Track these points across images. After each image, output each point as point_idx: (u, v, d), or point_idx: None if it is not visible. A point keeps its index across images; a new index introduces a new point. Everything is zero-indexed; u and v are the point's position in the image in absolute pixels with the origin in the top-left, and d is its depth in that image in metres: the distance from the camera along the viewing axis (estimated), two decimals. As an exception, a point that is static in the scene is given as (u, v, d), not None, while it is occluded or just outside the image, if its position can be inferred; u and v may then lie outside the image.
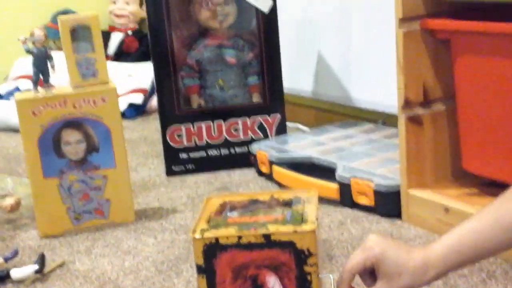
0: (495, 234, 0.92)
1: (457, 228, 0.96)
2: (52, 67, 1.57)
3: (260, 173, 1.83)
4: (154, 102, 2.72)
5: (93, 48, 1.55)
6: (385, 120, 2.00)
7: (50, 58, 1.57)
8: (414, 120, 1.40)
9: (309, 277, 0.96)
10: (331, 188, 1.56)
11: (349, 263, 0.97)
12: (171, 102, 1.91)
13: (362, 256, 0.96)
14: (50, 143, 1.54)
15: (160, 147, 2.02)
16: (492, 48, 1.27)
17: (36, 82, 1.56)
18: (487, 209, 0.94)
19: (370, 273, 0.97)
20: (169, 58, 1.89)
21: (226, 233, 0.97)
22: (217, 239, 0.97)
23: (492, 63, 1.28)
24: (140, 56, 3.08)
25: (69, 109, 1.53)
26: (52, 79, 1.57)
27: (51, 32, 2.73)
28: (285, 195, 1.10)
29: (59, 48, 2.69)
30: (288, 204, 1.06)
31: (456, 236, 0.95)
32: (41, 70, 1.56)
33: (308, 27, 2.19)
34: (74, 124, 1.54)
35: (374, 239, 0.97)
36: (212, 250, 0.97)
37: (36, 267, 1.34)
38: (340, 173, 1.56)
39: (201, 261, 0.98)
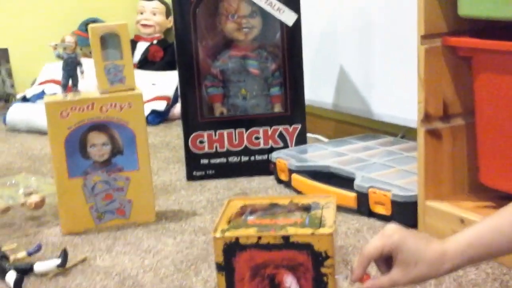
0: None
1: (477, 224, 0.97)
2: (82, 73, 1.63)
3: (279, 181, 1.87)
4: (176, 110, 2.77)
5: (122, 56, 1.59)
6: (404, 133, 2.03)
7: (79, 64, 1.63)
8: (433, 134, 1.43)
9: (325, 278, 0.99)
10: (349, 197, 1.59)
11: (366, 248, 0.98)
12: (194, 109, 1.95)
13: (380, 243, 0.97)
14: (76, 145, 1.58)
15: (181, 153, 2.06)
16: (512, 66, 1.30)
17: (65, 86, 1.62)
18: (508, 208, 0.96)
19: (385, 260, 0.99)
20: (194, 67, 1.93)
21: (246, 233, 1.00)
22: (237, 239, 1.00)
23: (512, 81, 1.31)
24: (164, 65, 3.13)
25: (96, 112, 1.57)
26: (80, 85, 1.62)
27: (78, 39, 2.79)
28: (304, 200, 1.13)
29: (86, 55, 2.77)
30: (307, 208, 1.09)
31: (475, 231, 0.96)
32: (71, 75, 1.62)
33: (331, 40, 2.22)
34: (100, 127, 1.59)
35: (394, 228, 0.98)
36: (232, 249, 1.00)
37: (59, 261, 1.38)
38: (358, 182, 1.59)
39: (220, 260, 1.01)
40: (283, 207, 1.10)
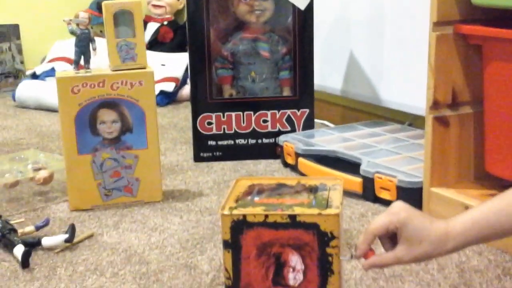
0: None
1: (482, 204, 0.98)
2: (94, 49, 1.63)
3: (286, 164, 1.88)
4: (185, 91, 2.78)
5: (134, 34, 1.60)
6: (412, 121, 2.03)
7: (92, 40, 1.63)
8: (441, 121, 1.44)
9: (330, 259, 1.00)
10: (354, 182, 1.60)
11: (372, 224, 0.99)
12: (204, 90, 1.96)
13: (386, 220, 0.98)
14: (87, 121, 1.59)
15: (188, 134, 2.07)
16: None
17: (77, 62, 1.62)
18: (510, 190, 0.97)
19: (390, 238, 1.00)
20: (205, 48, 1.94)
21: (254, 211, 1.01)
22: (244, 216, 1.01)
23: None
24: (174, 47, 3.14)
25: (107, 89, 1.58)
26: (92, 64, 1.63)
27: (89, 17, 2.80)
28: (311, 182, 1.14)
29: (96, 34, 2.77)
30: (314, 190, 1.10)
31: (480, 212, 0.97)
32: (83, 51, 1.62)
33: (342, 26, 2.22)
34: (111, 104, 1.60)
35: (400, 206, 0.99)
36: (239, 227, 1.01)
37: (66, 236, 1.40)
38: (364, 167, 1.60)
39: (228, 237, 1.02)
40: (291, 187, 1.11)
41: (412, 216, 0.98)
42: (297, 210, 1.01)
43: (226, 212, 1.02)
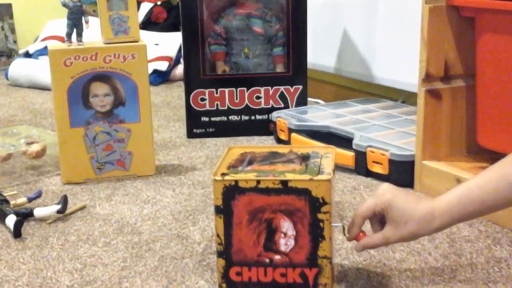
0: (500, 189, 0.96)
1: (466, 182, 1.00)
2: (86, 22, 1.63)
3: (279, 140, 1.88)
4: (178, 71, 2.78)
5: (127, 7, 1.59)
6: (405, 99, 2.04)
7: (84, 13, 1.62)
8: (433, 94, 1.44)
9: (321, 224, 1.01)
10: (347, 156, 1.61)
11: (360, 208, 1.03)
12: (197, 66, 1.95)
13: (372, 202, 1.01)
14: (79, 94, 1.59)
15: (182, 112, 2.07)
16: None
17: (69, 35, 1.61)
18: (494, 167, 0.98)
19: (379, 220, 1.02)
20: (198, 24, 1.93)
21: (246, 177, 1.02)
22: (236, 182, 1.01)
23: (514, 42, 1.31)
24: (167, 27, 3.13)
25: (100, 63, 1.58)
26: (85, 37, 1.62)
27: (81, -3, 2.79)
28: (303, 150, 1.14)
29: (89, 13, 2.76)
30: (306, 157, 1.10)
31: (463, 189, 0.99)
32: (76, 24, 1.62)
33: (334, 3, 2.22)
34: (103, 77, 1.59)
35: (386, 187, 1.02)
36: (231, 192, 1.02)
37: (59, 207, 1.39)
38: (356, 141, 1.61)
39: (219, 202, 1.02)
40: (283, 155, 1.12)
41: (397, 197, 1.00)
42: (289, 176, 1.01)
43: (218, 178, 1.02)
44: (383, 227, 1.02)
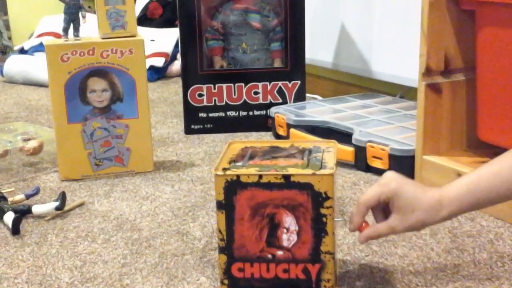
0: (510, 177, 0.94)
1: (475, 170, 0.98)
2: (83, 17, 1.61)
3: (277, 136, 1.87)
4: (174, 67, 2.77)
5: (124, 1, 1.58)
6: (404, 94, 2.03)
7: (81, 7, 1.61)
8: (434, 88, 1.43)
9: (324, 219, 1.00)
10: (346, 151, 1.60)
11: (364, 196, 0.99)
12: (194, 62, 1.94)
13: (377, 190, 0.98)
14: (76, 90, 1.57)
15: (179, 108, 2.05)
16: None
17: (66, 29, 1.60)
18: (505, 155, 0.97)
19: (382, 209, 1.00)
20: (195, 19, 1.92)
21: (248, 172, 1.01)
22: (238, 177, 1.00)
23: (515, 36, 1.31)
24: (162, 23, 3.11)
25: (97, 58, 1.56)
26: (82, 32, 1.61)
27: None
28: (305, 145, 1.13)
29: (85, 10, 2.75)
30: (308, 152, 1.09)
31: (473, 178, 0.97)
32: (72, 18, 1.60)
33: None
34: (101, 72, 1.58)
35: (391, 175, 0.99)
36: (233, 187, 1.00)
37: (57, 204, 1.38)
38: (356, 137, 1.60)
39: (221, 197, 1.01)
40: (284, 150, 1.11)
41: (404, 185, 0.97)
42: (291, 171, 1.00)
43: (220, 172, 1.01)
44: (386, 217, 1.00)
